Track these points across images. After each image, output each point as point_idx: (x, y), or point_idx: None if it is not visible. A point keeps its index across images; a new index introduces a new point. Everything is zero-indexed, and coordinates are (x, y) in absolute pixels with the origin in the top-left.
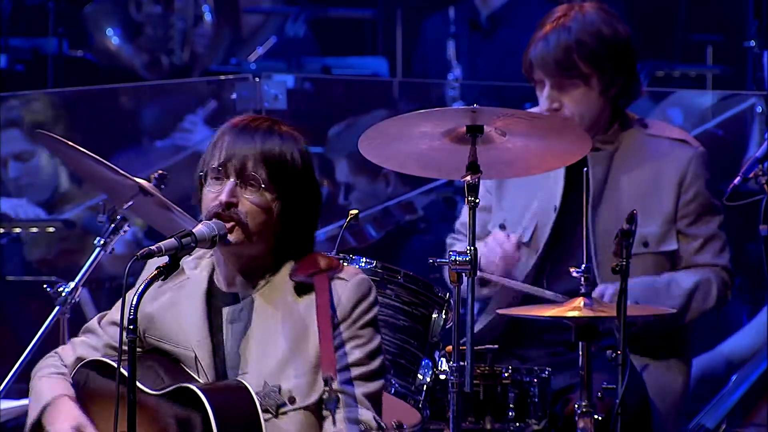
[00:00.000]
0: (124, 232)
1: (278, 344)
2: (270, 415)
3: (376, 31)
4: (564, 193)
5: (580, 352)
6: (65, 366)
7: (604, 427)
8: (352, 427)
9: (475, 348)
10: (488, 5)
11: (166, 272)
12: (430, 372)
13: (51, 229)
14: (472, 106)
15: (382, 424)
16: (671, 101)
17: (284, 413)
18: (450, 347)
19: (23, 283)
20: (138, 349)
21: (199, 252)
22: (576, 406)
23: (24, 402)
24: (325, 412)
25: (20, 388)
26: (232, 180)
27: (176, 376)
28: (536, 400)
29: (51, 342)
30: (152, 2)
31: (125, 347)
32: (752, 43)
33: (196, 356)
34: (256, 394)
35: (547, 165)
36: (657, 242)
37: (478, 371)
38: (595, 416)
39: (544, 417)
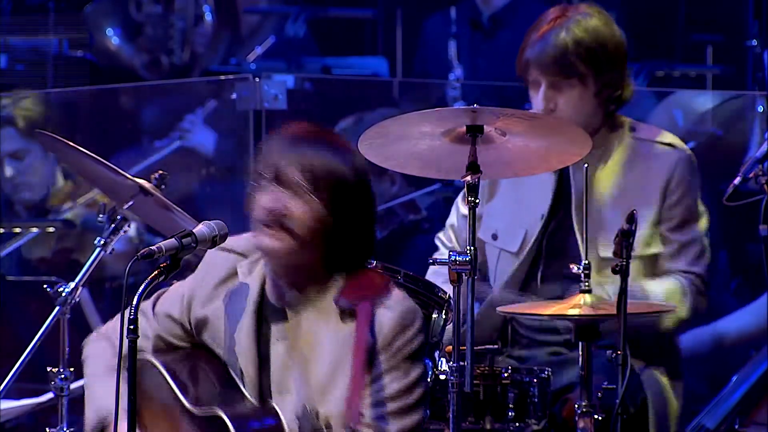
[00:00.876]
0: (125, 232)
1: (319, 369)
2: None
3: (376, 31)
4: (553, 201)
5: (580, 352)
6: (115, 355)
7: (604, 427)
8: None
9: (475, 348)
10: (489, 5)
11: (166, 272)
12: (430, 372)
13: (51, 229)
14: (472, 106)
15: None
16: (671, 101)
17: None
18: (450, 347)
19: (23, 283)
20: (185, 344)
21: (255, 255)
22: (576, 406)
23: (24, 402)
24: None
25: (20, 388)
26: (278, 188)
27: (227, 387)
28: (536, 400)
29: (51, 342)
30: (152, 2)
31: (172, 341)
32: (754, 42)
33: (242, 369)
34: (296, 417)
35: (547, 165)
36: (641, 245)
37: (478, 371)
38: (595, 416)
39: (544, 417)
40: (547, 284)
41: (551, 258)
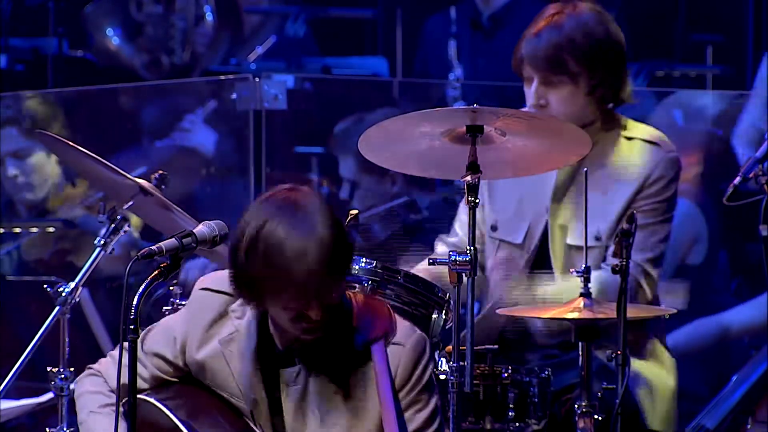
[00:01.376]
0: (125, 232)
1: (338, 412)
2: None
3: (376, 31)
4: (554, 194)
5: (580, 352)
6: (111, 392)
7: (604, 427)
8: None
9: (475, 348)
10: (489, 5)
11: (166, 272)
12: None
13: (51, 229)
14: (472, 106)
15: None
16: (671, 101)
17: None
18: (450, 347)
19: (23, 283)
20: (177, 379)
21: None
22: (576, 406)
23: (24, 402)
24: None
25: (20, 388)
26: (309, 300)
27: (231, 423)
28: (536, 400)
29: (51, 342)
30: (153, 2)
31: (167, 378)
32: None
33: (252, 415)
34: None
35: (547, 165)
36: (608, 236)
37: (478, 371)
38: (595, 416)
39: (544, 417)
40: (551, 278)
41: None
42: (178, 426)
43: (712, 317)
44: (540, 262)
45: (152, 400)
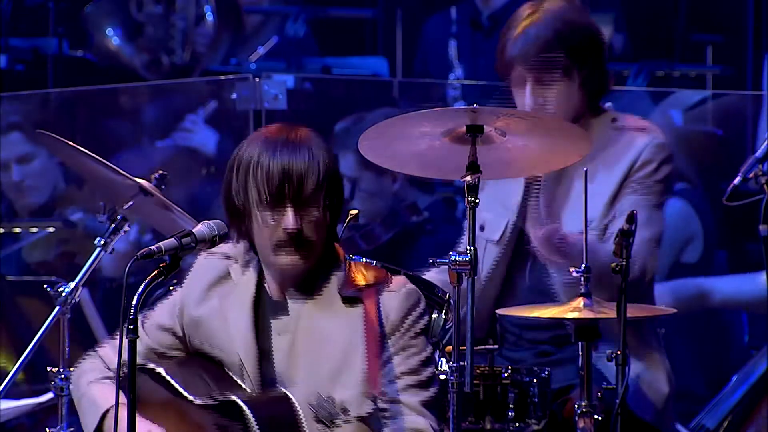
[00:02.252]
0: (125, 232)
1: (329, 356)
2: (325, 427)
3: (376, 31)
4: (525, 189)
5: (580, 352)
6: (109, 369)
7: (604, 427)
8: None
9: (475, 348)
10: (489, 5)
11: (166, 272)
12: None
13: (51, 229)
14: (472, 106)
15: (439, 430)
16: (671, 101)
17: (339, 425)
18: (450, 347)
19: (23, 283)
20: (178, 353)
21: (247, 257)
22: (576, 406)
23: (24, 402)
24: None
25: (20, 388)
26: (289, 206)
27: (223, 384)
28: (536, 400)
29: (51, 342)
30: (153, 2)
31: (164, 351)
32: None
33: (242, 364)
34: (309, 405)
35: (547, 165)
36: (599, 220)
37: (478, 371)
38: (595, 416)
39: (544, 417)
40: (530, 275)
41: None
42: (175, 387)
43: (692, 280)
44: (522, 258)
45: (153, 366)
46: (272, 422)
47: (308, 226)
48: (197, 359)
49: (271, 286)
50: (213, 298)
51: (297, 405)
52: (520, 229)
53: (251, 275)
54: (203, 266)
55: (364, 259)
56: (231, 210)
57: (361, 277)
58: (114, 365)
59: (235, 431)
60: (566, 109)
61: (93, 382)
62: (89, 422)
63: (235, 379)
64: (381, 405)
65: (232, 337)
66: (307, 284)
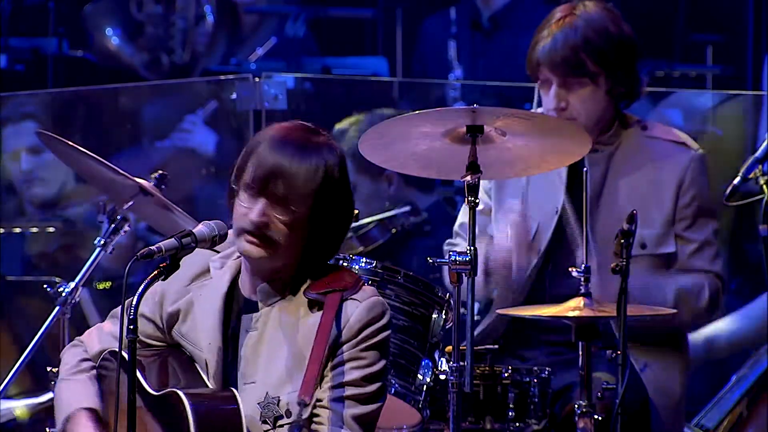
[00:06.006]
0: (125, 232)
1: (283, 357)
2: (268, 427)
3: (376, 31)
4: (566, 194)
5: (580, 352)
6: (88, 359)
7: (604, 427)
8: None
9: (475, 348)
10: (489, 6)
11: (166, 272)
12: (430, 372)
13: (51, 229)
14: (472, 106)
15: None
16: (671, 101)
17: (281, 426)
18: (450, 347)
19: (23, 282)
20: (160, 343)
21: (228, 250)
22: (576, 406)
23: (24, 402)
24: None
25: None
26: (263, 200)
27: (187, 377)
28: (536, 400)
29: (51, 342)
30: (153, 2)
31: (146, 341)
32: None
33: (206, 359)
34: (258, 404)
35: (547, 165)
36: (655, 244)
37: (478, 371)
38: (595, 416)
39: (544, 417)
40: (560, 280)
41: (566, 253)
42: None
43: (694, 333)
44: (554, 264)
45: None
46: (211, 418)
47: (276, 225)
48: (174, 351)
49: (245, 283)
50: (190, 291)
51: (241, 404)
52: (555, 234)
53: (228, 269)
54: (189, 259)
55: (363, 260)
56: (232, 181)
57: (329, 281)
58: (93, 351)
59: (177, 425)
60: (590, 114)
61: (65, 379)
62: (57, 422)
63: (201, 374)
64: (315, 410)
65: (199, 331)
66: (279, 284)
